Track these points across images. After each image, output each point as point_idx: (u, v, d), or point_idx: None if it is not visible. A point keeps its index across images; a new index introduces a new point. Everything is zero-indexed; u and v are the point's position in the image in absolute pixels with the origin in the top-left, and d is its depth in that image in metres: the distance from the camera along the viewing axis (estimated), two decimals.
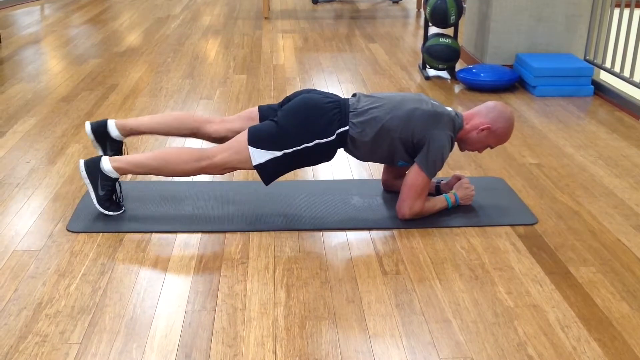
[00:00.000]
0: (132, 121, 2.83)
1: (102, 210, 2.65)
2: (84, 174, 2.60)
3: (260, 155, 2.54)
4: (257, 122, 2.74)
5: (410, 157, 2.64)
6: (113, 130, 2.82)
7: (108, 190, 2.64)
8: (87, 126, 2.83)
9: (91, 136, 2.83)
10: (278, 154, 2.54)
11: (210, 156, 2.56)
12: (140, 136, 3.52)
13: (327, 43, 5.92)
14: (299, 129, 2.54)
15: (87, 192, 2.86)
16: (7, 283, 2.24)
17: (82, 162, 2.62)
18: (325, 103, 2.59)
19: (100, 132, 2.83)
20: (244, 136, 2.56)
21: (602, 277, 2.30)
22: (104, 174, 2.60)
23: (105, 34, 6.22)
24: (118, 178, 2.64)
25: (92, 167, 2.60)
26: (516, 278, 2.29)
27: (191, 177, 2.93)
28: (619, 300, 2.17)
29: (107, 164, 2.60)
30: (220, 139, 2.78)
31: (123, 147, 2.91)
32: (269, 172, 2.58)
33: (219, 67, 5.04)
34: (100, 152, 2.87)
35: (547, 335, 1.99)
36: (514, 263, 2.38)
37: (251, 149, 2.54)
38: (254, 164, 2.55)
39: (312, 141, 2.55)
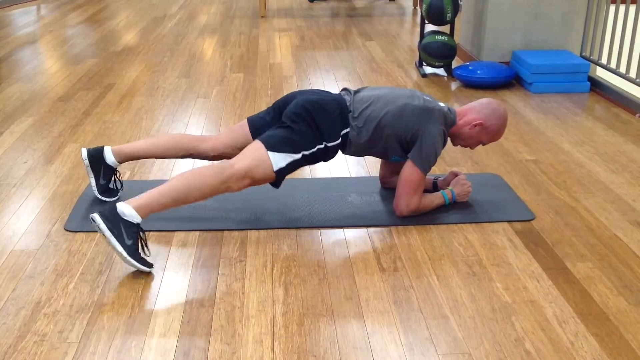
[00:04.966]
0: (128, 147, 2.75)
1: (136, 264, 2.28)
2: (103, 226, 2.22)
3: (281, 159, 2.48)
4: (249, 133, 2.71)
5: (404, 152, 2.65)
6: (109, 156, 2.74)
7: (135, 238, 2.28)
8: (83, 152, 2.74)
9: (86, 162, 2.73)
10: (297, 156, 2.51)
11: (231, 165, 2.44)
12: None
13: (323, 41, 5.93)
14: (312, 131, 2.53)
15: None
16: (6, 283, 2.24)
17: (97, 215, 2.24)
18: (327, 103, 2.58)
19: (96, 158, 2.74)
20: (256, 145, 2.49)
21: (599, 272, 2.30)
22: (125, 220, 2.26)
23: (102, 34, 6.22)
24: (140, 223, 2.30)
25: (111, 216, 2.25)
26: (513, 274, 2.29)
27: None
28: (616, 295, 2.17)
29: (128, 208, 2.27)
30: (218, 156, 2.73)
31: (117, 175, 2.82)
32: (284, 175, 2.54)
33: (215, 66, 5.04)
34: (92, 179, 2.75)
35: (544, 330, 2.00)
36: (511, 259, 2.38)
37: (271, 154, 2.47)
38: (275, 168, 2.47)
39: (322, 143, 2.55)
